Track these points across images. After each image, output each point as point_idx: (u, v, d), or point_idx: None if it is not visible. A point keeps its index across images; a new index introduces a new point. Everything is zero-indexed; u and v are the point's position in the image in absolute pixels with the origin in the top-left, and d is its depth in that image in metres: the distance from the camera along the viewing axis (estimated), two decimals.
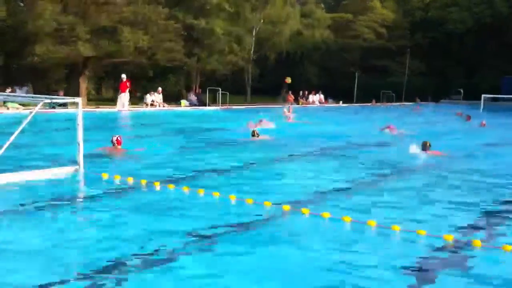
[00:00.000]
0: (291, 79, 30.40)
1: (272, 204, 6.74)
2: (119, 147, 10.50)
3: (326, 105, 39.46)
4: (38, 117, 17.36)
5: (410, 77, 45.34)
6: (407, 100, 44.44)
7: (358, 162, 10.98)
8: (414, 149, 11.90)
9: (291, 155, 11.91)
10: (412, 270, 4.77)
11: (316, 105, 38.77)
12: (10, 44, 27.32)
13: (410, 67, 45.53)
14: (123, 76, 26.66)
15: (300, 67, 43.19)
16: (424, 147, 11.78)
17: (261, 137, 13.98)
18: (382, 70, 45.53)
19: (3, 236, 5.46)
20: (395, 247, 5.51)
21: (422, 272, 4.79)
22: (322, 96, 41.11)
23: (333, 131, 17.57)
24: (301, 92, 39.86)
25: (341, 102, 40.34)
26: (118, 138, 10.85)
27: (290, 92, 38.71)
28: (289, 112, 24.81)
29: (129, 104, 26.75)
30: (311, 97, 40.32)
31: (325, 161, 11.28)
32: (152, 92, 30.20)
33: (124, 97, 26.05)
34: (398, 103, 41.19)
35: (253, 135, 13.85)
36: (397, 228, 5.81)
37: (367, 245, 5.50)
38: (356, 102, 40.92)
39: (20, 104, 23.01)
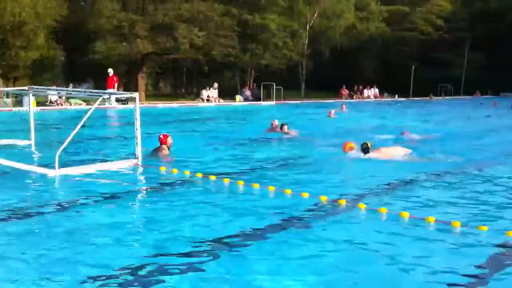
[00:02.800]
0: None
1: (328, 199, 6.85)
2: (164, 146, 10.11)
3: (381, 99, 38.97)
4: (99, 113, 18.11)
5: (468, 70, 44.09)
6: (465, 94, 43.28)
7: (411, 158, 10.84)
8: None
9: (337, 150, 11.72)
10: (475, 267, 4.75)
11: (371, 100, 38.35)
12: (72, 42, 28.41)
13: (469, 59, 44.27)
14: (110, 70, 25.50)
15: (355, 61, 42.72)
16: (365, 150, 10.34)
17: (291, 132, 14.24)
18: (439, 63, 44.42)
19: (72, 224, 5.80)
20: (455, 243, 5.50)
21: (483, 268, 4.78)
22: (377, 90, 40.58)
23: (387, 126, 17.39)
24: (355, 87, 39.52)
25: (396, 96, 39.73)
26: (162, 136, 10.22)
27: (344, 86, 38.47)
28: (343, 109, 24.68)
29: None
30: (366, 92, 39.90)
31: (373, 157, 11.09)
32: (208, 88, 30.73)
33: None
34: (456, 97, 40.20)
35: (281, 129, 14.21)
36: (457, 224, 5.81)
37: (426, 241, 5.52)
38: (413, 96, 40.16)
39: (82, 100, 23.94)
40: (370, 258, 4.96)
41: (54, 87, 20.79)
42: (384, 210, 6.32)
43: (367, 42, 44.02)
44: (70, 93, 18.71)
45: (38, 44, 25.79)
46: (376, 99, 38.87)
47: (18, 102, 23.11)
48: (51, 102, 24.08)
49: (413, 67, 41.01)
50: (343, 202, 6.69)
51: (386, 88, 40.76)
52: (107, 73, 25.49)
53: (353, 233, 5.68)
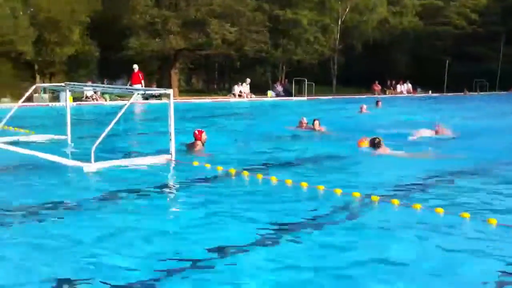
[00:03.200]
0: None
1: (361, 195, 6.81)
2: (199, 142, 10.12)
3: (414, 95, 38.46)
4: (133, 108, 18.38)
5: (504, 65, 43.13)
6: (501, 89, 42.38)
7: (445, 154, 10.70)
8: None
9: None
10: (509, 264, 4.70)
11: (404, 95, 37.90)
12: (106, 38, 28.81)
13: (504, 54, 43.30)
14: (135, 66, 25.16)
15: (387, 56, 42.25)
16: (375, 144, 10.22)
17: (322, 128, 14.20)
18: (474, 58, 43.60)
19: (106, 217, 5.93)
20: (491, 240, 5.43)
21: None
22: (410, 86, 40.10)
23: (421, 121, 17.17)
24: (389, 82, 39.10)
25: (430, 91, 39.16)
26: (197, 132, 10.22)
27: (376, 81, 38.09)
28: (378, 105, 24.41)
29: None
30: (399, 87, 39.47)
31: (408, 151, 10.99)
32: (240, 83, 30.84)
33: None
34: (492, 92, 39.40)
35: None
36: (493, 221, 5.72)
37: (460, 238, 5.47)
38: (447, 92, 39.52)
39: (116, 96, 24.32)
40: (406, 253, 4.92)
41: (90, 83, 21.19)
42: (418, 206, 6.27)
43: (399, 36, 43.48)
44: (106, 89, 19.03)
45: (73, 40, 26.26)
46: (409, 95, 38.41)
47: (55, 98, 23.62)
48: (86, 97, 24.54)
49: (447, 61, 40.33)
50: (376, 198, 6.65)
51: (419, 83, 40.21)
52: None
53: (385, 229, 5.67)
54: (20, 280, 4.21)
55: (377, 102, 24.75)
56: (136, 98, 10.20)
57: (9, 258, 4.67)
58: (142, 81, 24.56)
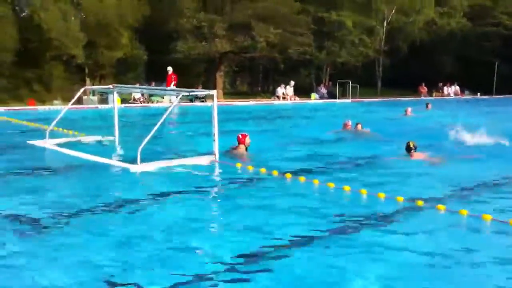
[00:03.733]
0: None
1: (405, 199, 6.76)
2: (242, 146, 10.17)
3: (462, 97, 37.60)
4: (179, 110, 18.66)
5: None
6: None
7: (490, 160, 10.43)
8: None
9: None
10: None
11: (451, 97, 37.10)
12: (154, 42, 29.39)
13: None
14: (169, 68, 25.03)
15: (433, 58, 41.38)
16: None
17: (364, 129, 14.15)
18: None
19: (152, 218, 6.10)
20: None
21: None
22: (457, 88, 39.23)
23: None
24: (439, 84, 38.39)
25: (478, 94, 38.19)
26: (240, 136, 10.27)
27: (423, 83, 37.42)
28: (428, 108, 24.01)
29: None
30: (446, 89, 38.65)
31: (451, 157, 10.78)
32: (282, 85, 30.90)
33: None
34: None
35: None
36: None
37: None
38: (496, 94, 38.43)
39: (163, 98, 24.76)
40: (450, 260, 4.91)
41: (137, 85, 21.66)
42: (464, 212, 6.17)
43: (446, 37, 42.50)
44: (151, 91, 19.41)
45: (122, 44, 26.89)
46: (457, 97, 37.56)
47: (104, 100, 24.25)
48: (134, 99, 25.10)
49: (496, 63, 39.21)
50: (420, 203, 6.58)
51: (466, 86, 39.27)
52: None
53: (431, 235, 5.63)
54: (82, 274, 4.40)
55: (427, 105, 24.41)
56: (179, 100, 10.32)
57: (73, 253, 4.86)
58: (172, 83, 24.38)
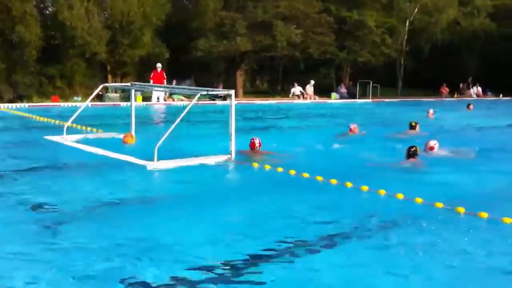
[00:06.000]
0: None
1: (424, 201, 6.67)
2: (255, 150, 9.98)
3: (484, 98, 37.08)
4: (198, 109, 18.75)
5: None
6: None
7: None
8: None
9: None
10: None
11: (473, 98, 36.61)
12: (176, 40, 29.54)
13: None
14: (159, 65, 24.68)
15: (455, 58, 40.85)
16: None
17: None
18: None
19: (168, 215, 6.15)
20: None
21: None
22: (480, 89, 38.74)
23: None
24: (461, 85, 37.94)
25: (501, 95, 37.61)
26: (254, 141, 10.00)
27: (444, 84, 37.00)
28: (469, 108, 23.77)
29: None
30: (472, 90, 38.17)
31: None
32: (296, 84, 30.86)
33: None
34: None
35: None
36: None
37: None
38: None
39: (184, 96, 24.87)
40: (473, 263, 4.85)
41: (157, 84, 21.78)
42: (484, 215, 6.06)
43: (469, 38, 41.94)
44: (171, 91, 19.51)
45: (144, 42, 27.10)
46: (479, 98, 37.04)
47: (125, 97, 24.43)
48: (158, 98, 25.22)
49: None
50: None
51: (489, 86, 38.72)
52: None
53: (469, 242, 5.51)
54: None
55: (468, 105, 24.16)
56: (197, 98, 10.28)
57: (92, 249, 4.94)
58: (164, 81, 24.18)
